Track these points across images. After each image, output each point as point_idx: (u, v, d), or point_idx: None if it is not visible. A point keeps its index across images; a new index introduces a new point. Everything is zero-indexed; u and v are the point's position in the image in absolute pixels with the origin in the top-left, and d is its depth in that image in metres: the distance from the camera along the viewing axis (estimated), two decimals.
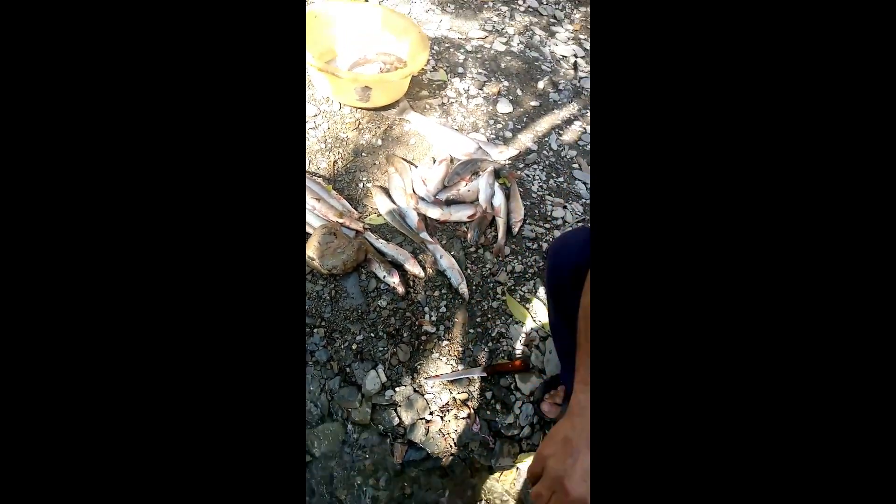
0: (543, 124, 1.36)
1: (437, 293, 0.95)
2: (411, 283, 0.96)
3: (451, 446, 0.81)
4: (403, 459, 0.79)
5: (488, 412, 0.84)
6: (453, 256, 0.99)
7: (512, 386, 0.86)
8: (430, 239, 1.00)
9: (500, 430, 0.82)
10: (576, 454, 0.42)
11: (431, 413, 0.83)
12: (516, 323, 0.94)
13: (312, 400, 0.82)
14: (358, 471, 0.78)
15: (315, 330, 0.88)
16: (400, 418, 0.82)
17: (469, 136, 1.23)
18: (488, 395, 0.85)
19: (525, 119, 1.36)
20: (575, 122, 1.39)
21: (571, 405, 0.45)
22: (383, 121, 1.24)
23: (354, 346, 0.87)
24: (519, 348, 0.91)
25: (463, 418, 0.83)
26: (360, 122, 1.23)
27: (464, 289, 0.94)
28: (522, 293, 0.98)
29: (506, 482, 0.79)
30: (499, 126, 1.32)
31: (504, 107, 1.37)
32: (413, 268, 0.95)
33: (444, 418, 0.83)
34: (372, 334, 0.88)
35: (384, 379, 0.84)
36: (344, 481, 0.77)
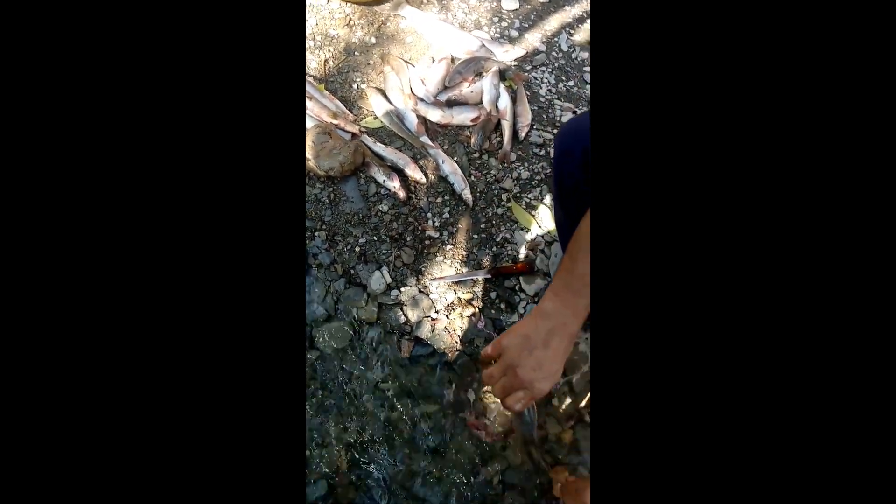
0: (553, 23, 1.27)
1: (439, 199, 0.95)
2: (412, 189, 0.95)
3: (456, 343, 0.85)
4: (410, 354, 0.84)
5: (493, 311, 0.88)
6: (456, 162, 0.97)
7: (516, 287, 0.89)
8: (430, 143, 0.98)
9: (505, 328, 0.87)
10: (531, 349, 0.49)
11: (437, 312, 0.86)
12: (521, 229, 0.95)
13: (318, 301, 0.85)
14: (366, 365, 0.83)
15: (316, 233, 0.88)
16: (406, 316, 0.86)
17: (471, 34, 1.15)
18: (493, 295, 0.88)
19: (533, 17, 1.27)
20: (587, 22, 1.30)
21: (536, 309, 0.51)
22: (376, 17, 1.15)
23: (357, 249, 0.88)
24: (524, 253, 0.93)
25: (468, 317, 0.87)
26: (350, 19, 1.14)
27: (467, 195, 0.94)
28: (528, 200, 0.98)
29: None
30: (504, 24, 1.23)
31: (510, 3, 1.27)
32: (414, 173, 0.94)
33: (450, 317, 0.86)
34: (374, 237, 0.89)
35: (389, 280, 0.87)
36: (353, 375, 0.83)
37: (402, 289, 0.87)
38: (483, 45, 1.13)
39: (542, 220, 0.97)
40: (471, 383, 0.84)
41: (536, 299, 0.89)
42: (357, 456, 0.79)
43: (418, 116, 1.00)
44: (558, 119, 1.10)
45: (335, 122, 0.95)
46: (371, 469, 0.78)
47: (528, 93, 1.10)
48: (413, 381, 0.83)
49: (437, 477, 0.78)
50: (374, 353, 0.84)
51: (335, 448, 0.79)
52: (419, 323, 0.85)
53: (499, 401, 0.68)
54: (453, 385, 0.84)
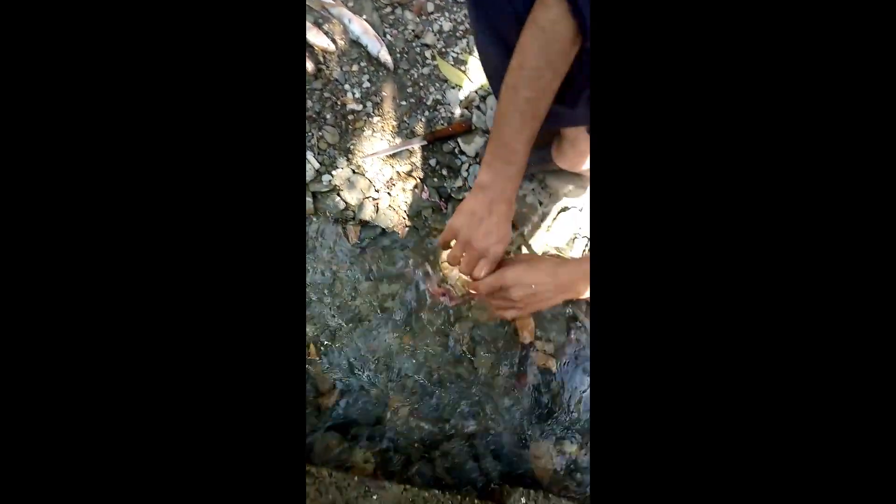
0: None
1: (355, 67, 0.85)
2: (321, 60, 0.84)
3: (404, 218, 0.83)
4: (359, 238, 0.81)
5: (435, 179, 0.84)
6: (366, 21, 0.85)
7: (456, 150, 0.85)
8: (330, 0, 0.85)
9: (451, 194, 0.84)
10: (479, 221, 0.53)
11: (377, 190, 0.82)
12: (453, 87, 0.88)
13: None
14: (317, 259, 0.81)
15: None
16: (345, 201, 0.81)
17: None
18: (432, 162, 0.84)
19: None
20: None
21: (475, 182, 0.55)
22: None
23: None
24: (458, 112, 0.87)
25: (411, 190, 0.83)
26: None
27: (385, 56, 0.84)
28: (455, 54, 0.90)
29: None
30: None
31: None
32: (317, 39, 0.82)
33: (391, 193, 0.83)
34: None
35: (317, 165, 0.81)
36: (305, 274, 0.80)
37: (334, 172, 0.81)
38: None
39: (474, 74, 0.89)
40: (426, 255, 0.84)
41: (478, 159, 0.85)
42: (327, 343, 0.80)
43: None
44: None
45: None
46: (344, 350, 0.80)
47: None
48: (368, 265, 0.82)
49: (409, 346, 0.81)
50: (320, 244, 0.81)
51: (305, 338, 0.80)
52: (361, 205, 0.82)
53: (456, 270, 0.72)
54: (410, 260, 0.83)
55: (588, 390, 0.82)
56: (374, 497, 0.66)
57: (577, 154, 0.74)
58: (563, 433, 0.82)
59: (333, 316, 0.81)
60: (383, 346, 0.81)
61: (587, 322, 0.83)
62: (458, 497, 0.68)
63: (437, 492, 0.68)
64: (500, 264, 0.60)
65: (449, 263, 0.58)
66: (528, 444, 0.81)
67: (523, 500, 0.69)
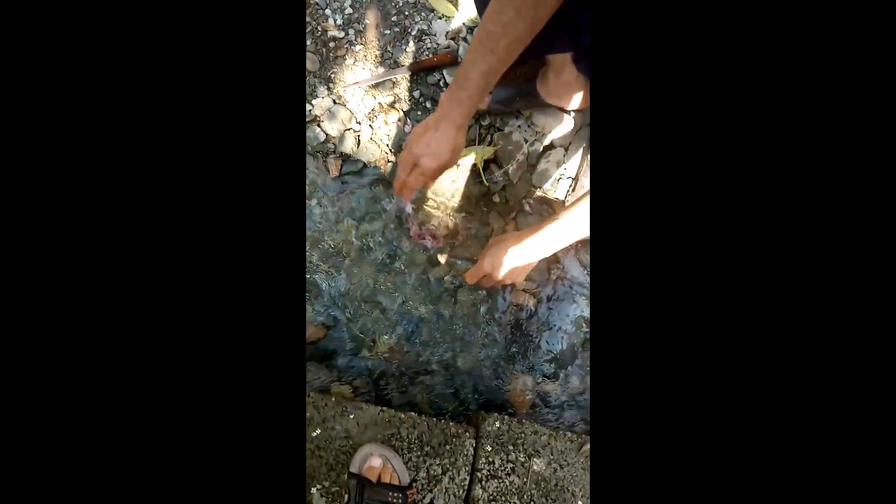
0: None
1: None
2: None
3: (386, 152, 0.82)
4: (340, 172, 0.81)
5: (419, 112, 0.83)
6: None
7: (441, 82, 0.83)
8: None
9: None
10: (426, 132, 0.57)
11: (358, 122, 0.81)
12: (440, 18, 0.85)
13: None
14: None
15: None
16: (326, 133, 0.80)
17: None
18: (416, 94, 0.83)
19: None
20: None
21: (439, 103, 0.57)
22: None
23: None
24: (444, 43, 0.84)
25: (393, 122, 0.82)
26: None
27: None
28: None
29: (447, 175, 0.84)
30: None
31: None
32: None
33: (373, 125, 0.82)
34: None
35: None
36: None
37: (314, 101, 0.79)
38: None
39: (462, 6, 0.86)
40: None
41: None
42: (310, 277, 0.81)
43: None
44: None
45: None
46: (328, 285, 0.82)
47: None
48: (349, 201, 0.82)
49: (391, 284, 0.83)
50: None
51: None
52: (341, 137, 0.80)
53: (438, 212, 0.75)
54: (393, 199, 0.83)
55: (565, 325, 0.84)
56: (351, 416, 0.69)
57: (561, 85, 0.73)
58: (541, 367, 0.85)
59: (315, 251, 0.82)
60: (366, 281, 0.82)
61: (566, 262, 0.85)
62: (434, 420, 0.71)
63: (412, 414, 0.71)
64: (479, 255, 0.65)
65: (399, 165, 0.61)
66: (505, 377, 0.83)
67: (497, 424, 0.73)
